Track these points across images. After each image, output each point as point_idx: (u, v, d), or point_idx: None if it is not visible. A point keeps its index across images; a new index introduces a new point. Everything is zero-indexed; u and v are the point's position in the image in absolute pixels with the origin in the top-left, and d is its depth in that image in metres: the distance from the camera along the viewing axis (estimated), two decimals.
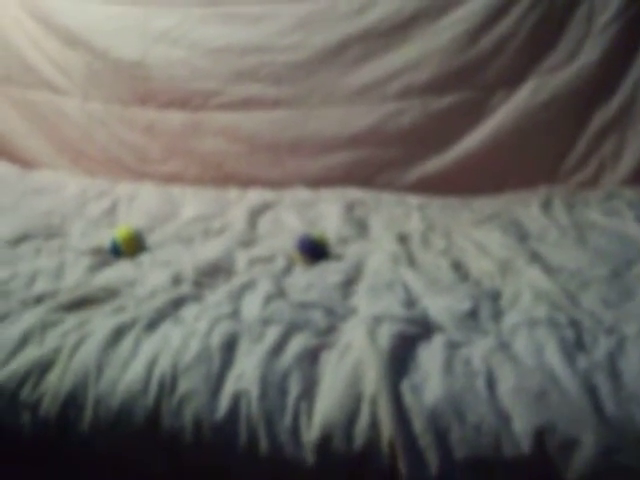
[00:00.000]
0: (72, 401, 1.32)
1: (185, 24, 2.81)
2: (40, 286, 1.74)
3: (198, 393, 1.29)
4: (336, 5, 2.68)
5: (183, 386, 1.30)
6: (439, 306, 1.56)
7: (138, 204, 2.57)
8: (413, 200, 2.54)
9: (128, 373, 1.34)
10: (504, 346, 1.36)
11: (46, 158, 3.10)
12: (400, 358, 1.32)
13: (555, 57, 2.58)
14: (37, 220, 2.29)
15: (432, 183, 2.68)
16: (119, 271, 1.86)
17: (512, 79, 2.60)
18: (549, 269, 1.79)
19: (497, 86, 2.62)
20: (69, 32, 2.94)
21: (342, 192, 2.62)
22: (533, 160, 2.66)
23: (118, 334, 1.43)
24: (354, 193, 2.61)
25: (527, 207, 2.39)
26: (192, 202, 2.58)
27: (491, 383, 1.25)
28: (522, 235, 2.11)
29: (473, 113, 2.65)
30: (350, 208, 2.44)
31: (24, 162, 3.10)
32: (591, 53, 2.54)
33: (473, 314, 1.52)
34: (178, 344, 1.39)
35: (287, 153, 2.80)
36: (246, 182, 2.80)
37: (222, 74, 2.80)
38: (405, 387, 1.26)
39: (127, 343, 1.41)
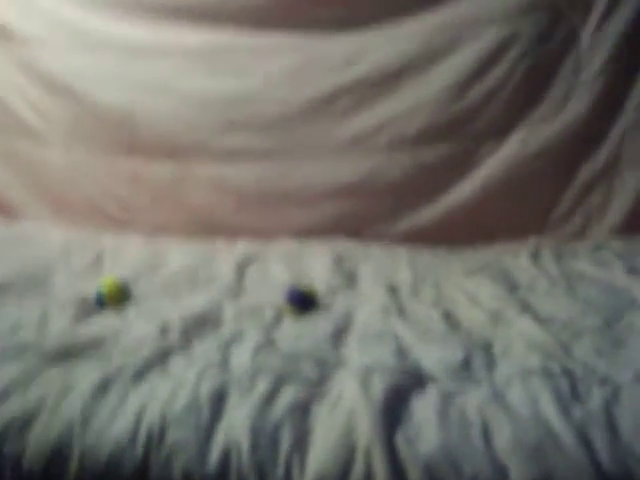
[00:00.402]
0: (57, 454, 1.29)
1: (172, 75, 2.78)
2: (23, 336, 1.71)
3: (187, 445, 1.26)
4: (326, 56, 2.67)
5: (172, 437, 1.27)
6: (431, 356, 1.54)
7: (123, 255, 2.54)
8: (402, 251, 2.52)
9: (115, 424, 1.31)
10: (498, 396, 1.34)
11: (27, 207, 3.03)
12: (393, 409, 1.30)
13: (543, 109, 2.58)
14: (19, 270, 2.25)
15: (422, 234, 2.66)
16: (104, 322, 1.84)
17: (501, 130, 2.60)
18: (540, 319, 1.79)
19: (486, 137, 2.61)
20: (53, 79, 2.89)
21: (330, 243, 2.60)
22: (522, 211, 2.64)
23: (104, 385, 1.41)
24: (342, 245, 2.59)
25: (516, 258, 2.38)
26: (178, 253, 2.55)
27: (487, 434, 1.23)
28: (512, 285, 2.10)
29: (463, 164, 2.64)
30: (339, 259, 2.42)
31: (4, 212, 3.04)
32: (579, 105, 2.54)
33: (466, 364, 1.50)
34: (166, 395, 1.36)
35: (275, 204, 2.77)
36: (233, 233, 2.76)
37: (209, 125, 2.77)
38: (399, 438, 1.23)
39: (113, 394, 1.38)
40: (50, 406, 1.35)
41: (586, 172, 2.60)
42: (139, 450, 1.26)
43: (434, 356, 1.54)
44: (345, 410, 1.30)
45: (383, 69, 2.64)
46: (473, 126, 2.61)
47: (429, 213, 2.67)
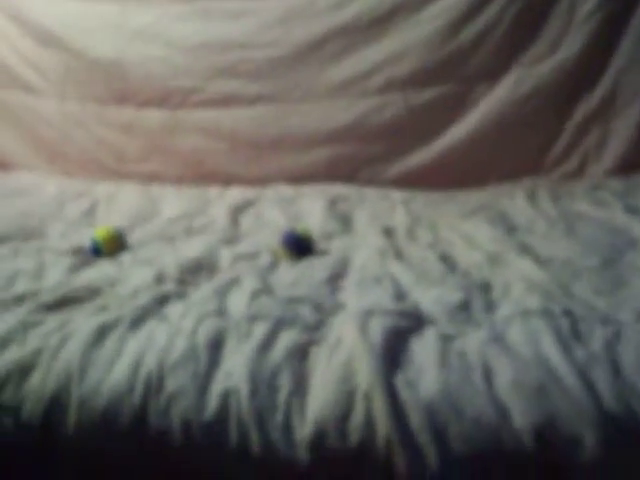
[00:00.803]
0: (55, 403, 1.27)
1: (162, 21, 2.76)
2: (20, 287, 1.68)
3: (186, 392, 1.24)
4: (315, 0, 2.63)
5: (170, 385, 1.26)
6: (430, 298, 1.52)
7: (118, 204, 2.52)
8: (397, 195, 2.51)
9: (113, 373, 1.29)
10: (499, 338, 1.33)
11: (22, 159, 3.03)
12: (393, 352, 1.29)
13: (537, 49, 2.56)
14: (14, 222, 2.24)
15: (415, 177, 2.65)
16: (100, 271, 1.82)
17: (494, 72, 2.58)
18: (539, 260, 1.77)
19: (479, 79, 2.59)
20: (43, 30, 2.87)
21: (324, 188, 2.59)
22: (516, 153, 2.63)
23: (101, 334, 1.39)
24: (337, 189, 2.58)
25: (512, 199, 2.37)
26: (173, 201, 2.54)
27: (488, 376, 1.22)
28: (510, 227, 2.09)
29: (455, 106, 2.62)
30: (333, 203, 2.41)
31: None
32: (573, 45, 2.52)
33: (464, 306, 1.49)
34: (164, 343, 1.34)
35: (268, 150, 2.75)
36: (227, 180, 2.76)
37: (201, 71, 2.75)
38: (400, 382, 1.22)
39: (111, 343, 1.36)
40: (47, 356, 1.33)
41: (581, 112, 2.59)
42: (137, 398, 1.25)
43: (432, 298, 1.52)
44: (344, 354, 1.29)
45: (373, 11, 2.61)
46: (465, 68, 2.59)
47: (422, 156, 2.66)
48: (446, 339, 1.34)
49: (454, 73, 2.60)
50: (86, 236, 2.03)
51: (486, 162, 2.63)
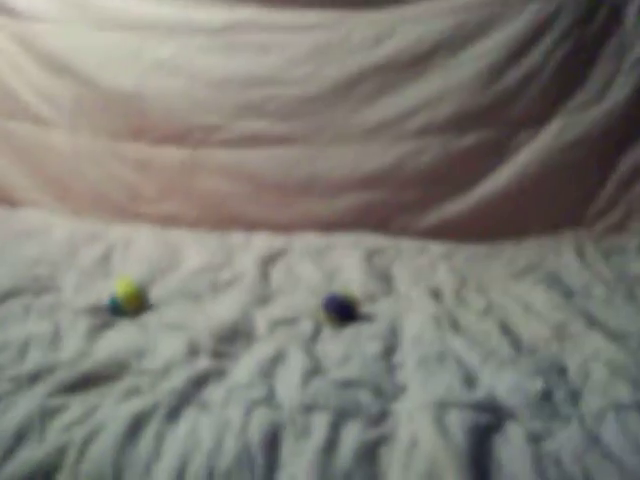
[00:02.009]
0: None
1: (184, 53, 2.63)
2: (34, 358, 1.48)
3: None
4: (350, 35, 2.52)
5: None
6: (505, 385, 1.34)
7: (134, 250, 2.35)
8: (435, 248, 2.36)
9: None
10: (593, 438, 1.16)
11: (29, 195, 2.87)
12: (480, 458, 1.11)
13: (583, 95, 2.45)
14: (24, 271, 2.05)
15: (451, 227, 2.51)
16: (123, 336, 1.63)
17: (538, 117, 2.46)
18: (611, 334, 1.60)
19: (521, 125, 2.47)
20: (56, 59, 2.74)
21: (357, 238, 2.44)
22: (558, 203, 2.51)
23: (135, 426, 1.20)
24: (370, 239, 2.43)
25: (560, 256, 2.24)
26: (193, 248, 2.37)
27: None
28: (566, 291, 1.94)
29: (496, 153, 2.49)
30: (370, 257, 2.25)
31: (5, 199, 2.86)
32: (621, 91, 2.42)
33: (546, 395, 1.31)
34: (211, 441, 1.16)
35: (295, 194, 2.60)
36: (249, 225, 2.61)
37: (224, 108, 2.61)
38: None
39: (147, 439, 1.17)
40: (73, 455, 1.14)
41: (627, 162, 2.47)
42: None
43: (508, 385, 1.34)
44: (424, 458, 1.11)
45: (412, 50, 2.49)
46: (508, 112, 2.47)
47: (459, 205, 2.52)
48: (535, 439, 1.16)
49: (496, 118, 2.47)
50: (103, 289, 1.87)
51: (527, 212, 2.50)
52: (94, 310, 1.78)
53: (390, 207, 2.54)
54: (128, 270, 2.14)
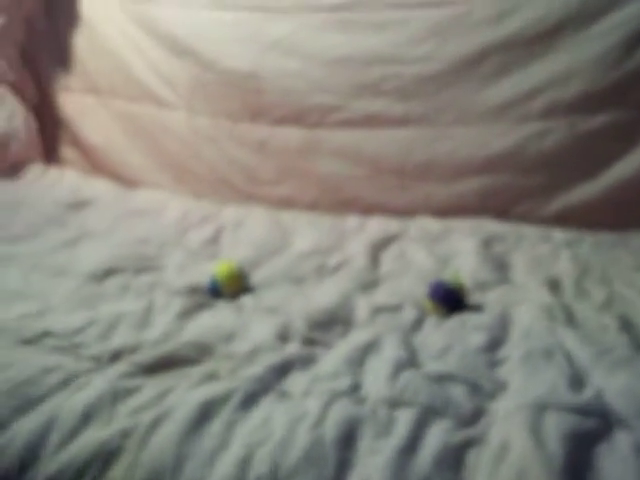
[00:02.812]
0: None
1: (301, 32, 2.56)
2: (120, 338, 1.44)
3: None
4: (473, 11, 2.37)
5: None
6: (616, 388, 1.20)
7: (244, 232, 2.30)
8: (559, 235, 2.20)
9: (214, 473, 1.02)
10: None
11: (148, 176, 2.88)
12: (577, 470, 0.98)
13: None
14: (130, 249, 2.04)
15: (577, 215, 2.33)
16: (216, 318, 1.57)
17: None
18: None
19: None
20: (176, 41, 2.74)
21: (476, 224, 2.30)
22: None
23: (206, 413, 1.13)
24: (490, 225, 2.29)
25: None
26: (305, 231, 2.30)
27: None
28: None
29: (627, 136, 2.28)
30: (487, 244, 2.12)
31: (125, 179, 2.90)
32: None
33: None
34: (281, 433, 1.07)
35: (414, 178, 2.48)
36: (367, 209, 2.51)
37: (342, 87, 2.52)
38: None
39: (217, 427, 1.10)
40: (137, 440, 1.08)
41: None
42: None
43: (620, 387, 1.20)
44: (512, 466, 0.99)
45: (538, 26, 2.32)
46: None
47: (588, 190, 2.33)
48: None
49: (628, 97, 2.27)
50: (206, 271, 1.80)
51: None
52: (192, 291, 1.74)
53: (512, 192, 2.39)
54: (235, 252, 2.09)
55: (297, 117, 2.59)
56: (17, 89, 3.01)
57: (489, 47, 2.36)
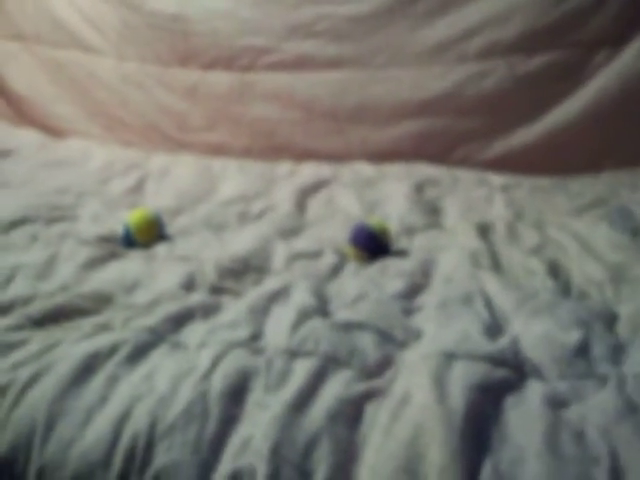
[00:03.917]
0: (6, 471, 0.93)
1: None
2: (16, 289, 1.34)
3: (180, 470, 0.88)
4: None
5: (160, 458, 0.89)
6: (534, 336, 1.12)
7: (170, 180, 2.21)
8: (496, 179, 2.15)
9: (88, 432, 0.94)
10: (632, 409, 0.92)
11: (77, 125, 2.79)
12: (480, 425, 0.90)
13: None
14: (45, 199, 1.93)
15: (517, 160, 2.28)
16: (123, 268, 1.47)
17: (616, 37, 2.17)
18: None
19: (598, 45, 2.19)
20: None
21: (411, 168, 2.24)
22: (638, 134, 2.20)
23: (88, 367, 1.04)
24: (425, 170, 2.23)
25: (635, 192, 1.97)
26: (234, 178, 2.22)
27: (617, 476, 0.82)
28: (634, 229, 1.66)
29: (568, 77, 2.22)
30: (419, 188, 2.05)
31: (53, 130, 2.79)
32: None
33: (582, 349, 1.08)
34: (164, 387, 0.98)
35: (348, 121, 2.41)
36: (301, 154, 2.45)
37: (273, 29, 2.44)
38: (487, 473, 0.84)
39: (98, 382, 1.01)
40: (12, 397, 0.99)
41: None
42: (113, 475, 0.89)
43: (538, 335, 1.11)
44: (410, 421, 0.91)
45: None
46: (581, 32, 2.20)
47: (527, 135, 2.27)
48: (557, 405, 0.94)
49: (569, 38, 2.20)
50: (122, 220, 1.70)
51: (602, 144, 2.23)
52: (104, 240, 1.65)
53: (450, 136, 2.33)
54: (158, 200, 2.01)
55: (227, 61, 2.50)
56: None
57: None
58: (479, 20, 2.24)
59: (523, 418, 0.92)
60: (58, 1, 2.72)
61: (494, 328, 1.17)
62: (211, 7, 2.46)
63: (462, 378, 0.97)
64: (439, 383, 0.96)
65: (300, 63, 2.41)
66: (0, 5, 2.85)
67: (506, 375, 1.01)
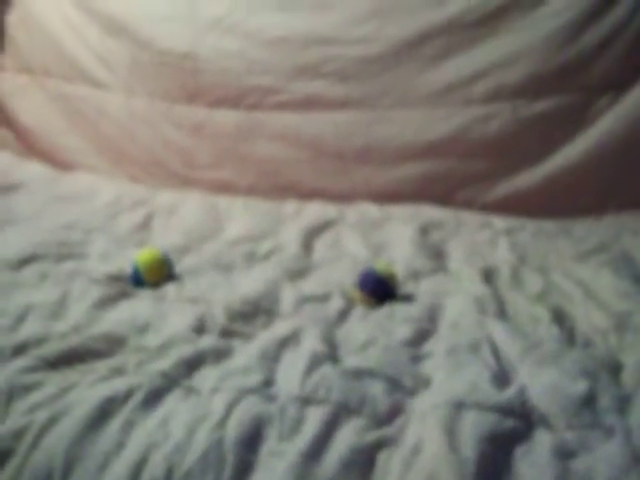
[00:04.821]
0: None
1: (239, 11, 2.48)
2: (28, 329, 1.35)
3: None
4: None
5: None
6: (542, 385, 1.14)
7: (177, 218, 2.22)
8: (499, 222, 2.16)
9: (106, 478, 0.95)
10: (639, 459, 0.94)
11: (84, 159, 2.79)
12: (491, 475, 0.92)
13: None
14: (53, 235, 1.94)
15: (521, 202, 2.29)
16: (133, 309, 1.49)
17: (620, 81, 2.21)
18: None
19: (602, 89, 2.22)
20: (112, 20, 2.64)
21: (415, 210, 2.25)
22: None
23: (105, 411, 1.05)
24: (429, 212, 2.24)
25: (637, 236, 1.97)
26: (241, 217, 2.23)
27: None
28: (637, 276, 1.68)
29: (572, 121, 2.25)
30: (424, 231, 2.07)
31: (60, 163, 2.80)
32: None
33: (589, 400, 1.10)
34: (181, 433, 1.00)
35: (354, 162, 2.42)
36: (306, 194, 2.45)
37: (281, 69, 2.45)
38: None
39: (114, 427, 1.03)
40: (30, 440, 1.01)
41: None
42: None
43: (546, 385, 1.13)
44: (423, 471, 0.93)
45: (481, 8, 2.28)
46: (586, 76, 2.22)
47: (531, 177, 2.29)
48: (565, 455, 0.96)
49: (573, 82, 2.23)
50: (130, 258, 1.72)
51: (605, 188, 2.26)
52: (113, 279, 1.66)
53: (454, 178, 2.34)
54: (165, 238, 2.02)
55: (235, 99, 2.51)
56: None
57: (431, 29, 2.30)
58: (485, 64, 2.26)
59: (533, 468, 0.94)
60: (67, 36, 2.74)
61: (501, 377, 1.19)
62: (221, 47, 2.48)
63: (473, 428, 0.99)
64: (450, 433, 0.98)
65: (307, 103, 2.43)
66: (10, 38, 2.87)
67: (515, 425, 1.03)
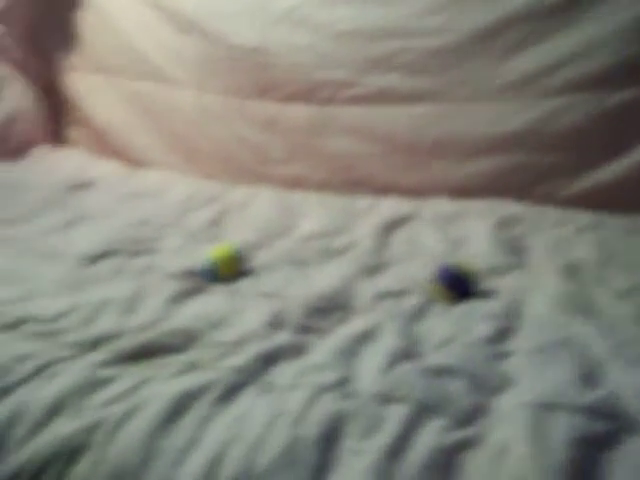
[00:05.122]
0: None
1: (310, 4, 2.45)
2: (103, 323, 1.35)
3: None
4: None
5: None
6: (632, 386, 1.08)
7: (250, 214, 2.20)
8: (582, 217, 2.08)
9: (182, 473, 0.93)
10: None
11: (157, 156, 2.80)
12: (583, 477, 0.87)
13: None
14: (127, 231, 1.94)
15: (603, 196, 2.20)
16: (208, 303, 1.47)
17: None
18: None
19: None
20: (183, 17, 2.65)
21: (493, 205, 2.18)
22: None
23: (181, 406, 1.03)
24: (508, 207, 2.17)
25: None
26: (314, 212, 2.20)
27: None
28: None
29: None
30: (503, 226, 2.01)
31: (133, 160, 2.81)
32: None
33: None
34: (257, 431, 0.97)
35: (428, 156, 2.36)
36: (380, 189, 2.41)
37: (353, 62, 2.41)
38: None
39: (189, 422, 1.00)
40: (104, 434, 0.99)
41: None
42: None
43: (637, 386, 1.08)
44: (510, 474, 0.88)
45: None
46: None
47: (614, 170, 2.19)
48: None
49: None
50: (203, 253, 1.70)
51: None
52: (187, 275, 1.65)
53: (532, 172, 2.27)
54: (238, 234, 2.00)
55: (306, 93, 2.49)
56: (24, 69, 2.93)
57: (508, 19, 2.23)
58: (563, 54, 2.18)
59: (626, 472, 0.88)
60: (138, 33, 2.75)
61: (591, 377, 1.13)
62: (291, 41, 2.46)
63: (561, 430, 0.94)
64: (538, 435, 0.93)
65: (380, 97, 2.39)
66: (82, 39, 2.89)
67: (606, 428, 0.97)
